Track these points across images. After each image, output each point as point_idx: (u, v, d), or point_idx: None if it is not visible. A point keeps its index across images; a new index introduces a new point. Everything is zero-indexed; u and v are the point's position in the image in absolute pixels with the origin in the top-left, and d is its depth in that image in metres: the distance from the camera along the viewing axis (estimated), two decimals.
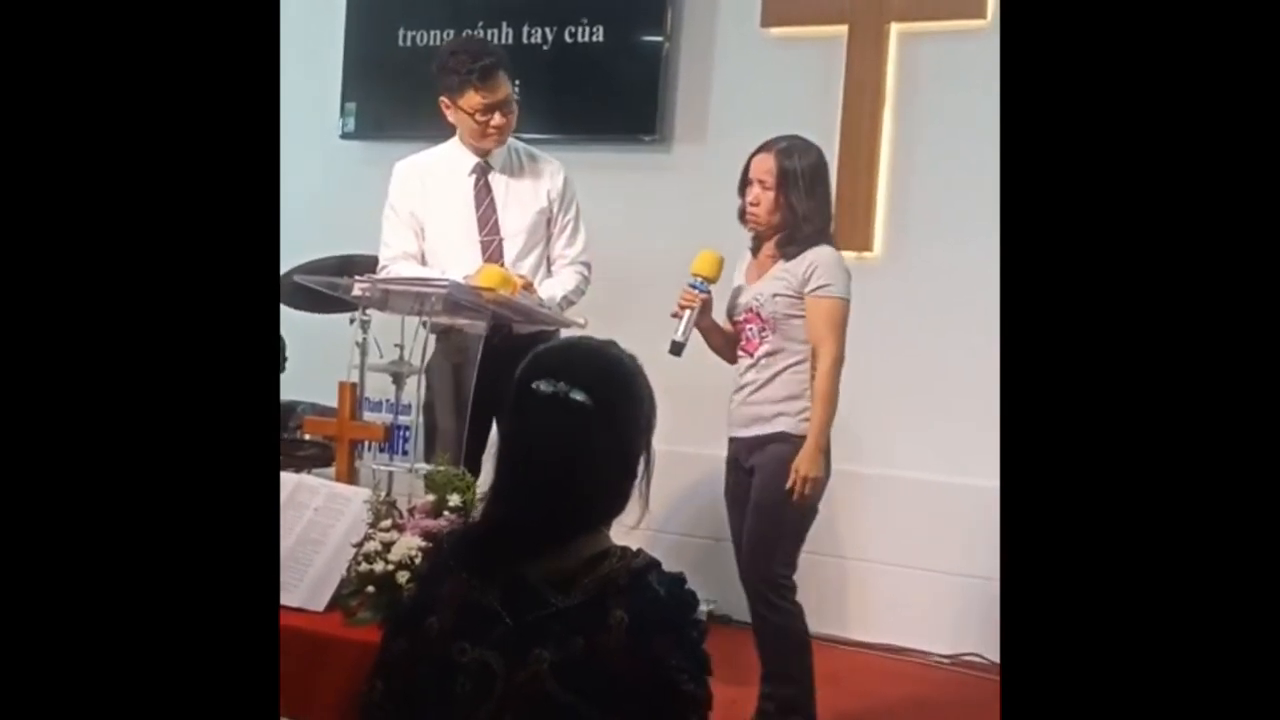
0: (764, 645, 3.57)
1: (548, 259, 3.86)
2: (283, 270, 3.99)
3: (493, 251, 3.72)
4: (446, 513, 2.59)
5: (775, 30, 4.96)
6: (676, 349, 3.43)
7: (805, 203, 3.47)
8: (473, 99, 3.66)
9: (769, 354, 3.49)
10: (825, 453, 3.44)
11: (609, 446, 1.73)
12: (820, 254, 3.45)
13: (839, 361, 3.43)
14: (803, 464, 3.39)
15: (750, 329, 3.53)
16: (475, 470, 2.95)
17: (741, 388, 3.54)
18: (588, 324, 3.58)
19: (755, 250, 3.63)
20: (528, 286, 3.57)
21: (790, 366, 3.46)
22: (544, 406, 1.71)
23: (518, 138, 3.91)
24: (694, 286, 3.51)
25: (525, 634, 1.66)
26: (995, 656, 4.18)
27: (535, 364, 1.76)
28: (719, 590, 4.74)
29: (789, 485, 3.38)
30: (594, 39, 5.19)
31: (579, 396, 1.70)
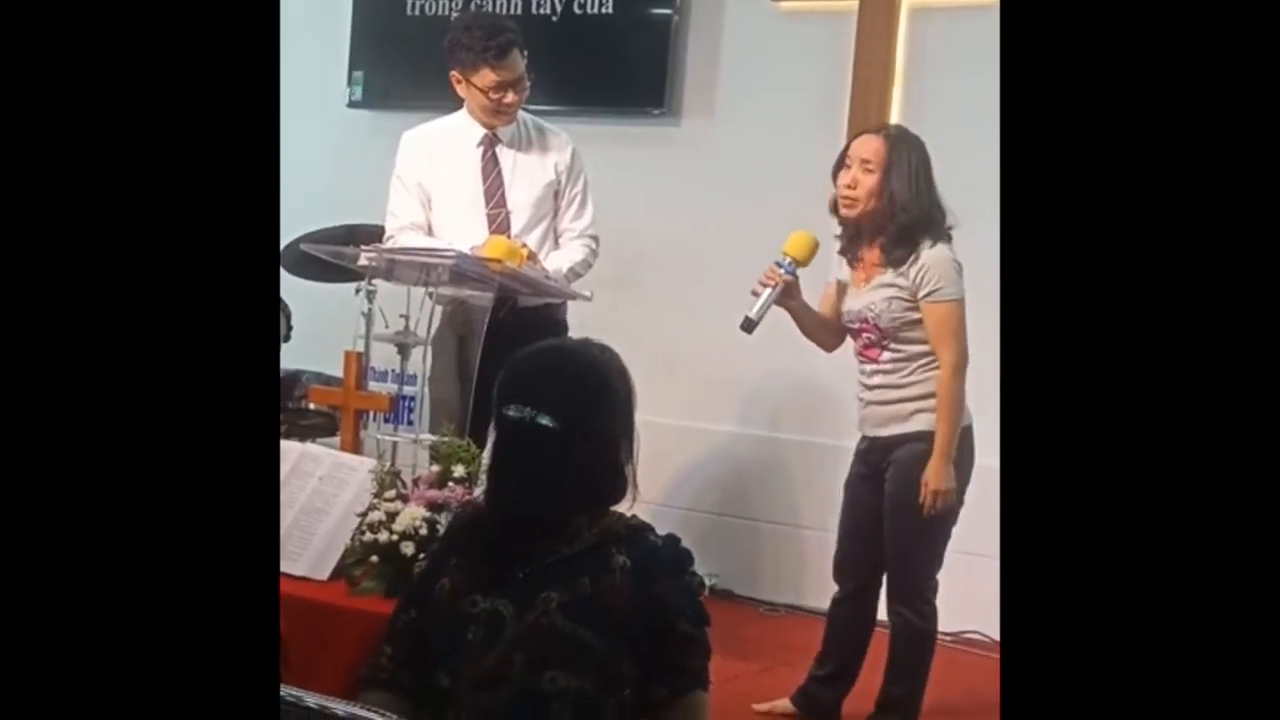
0: (896, 645, 3.47)
1: (555, 232, 3.85)
2: (289, 239, 3.99)
3: (499, 224, 3.72)
4: (451, 483, 2.59)
5: (785, 4, 4.93)
6: (748, 325, 3.31)
7: (906, 193, 3.28)
8: (487, 76, 3.64)
9: (895, 360, 3.34)
10: (956, 461, 3.32)
11: (587, 456, 1.79)
12: (929, 256, 3.28)
13: (962, 365, 3.28)
14: (932, 477, 3.26)
15: (868, 337, 3.38)
16: (480, 441, 2.96)
17: (871, 388, 3.39)
18: (594, 297, 3.58)
19: (846, 249, 3.45)
20: (531, 257, 3.56)
21: (921, 365, 3.33)
22: (514, 432, 1.79)
23: (526, 110, 3.90)
24: (780, 265, 3.33)
25: (534, 580, 1.76)
26: (998, 634, 4.19)
27: (506, 384, 1.83)
28: (721, 565, 4.76)
29: (920, 500, 3.26)
30: (603, 11, 5.16)
31: (546, 421, 1.76)
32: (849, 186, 3.31)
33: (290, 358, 4.43)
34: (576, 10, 5.20)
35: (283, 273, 3.97)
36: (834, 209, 3.41)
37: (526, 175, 3.79)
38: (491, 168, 3.78)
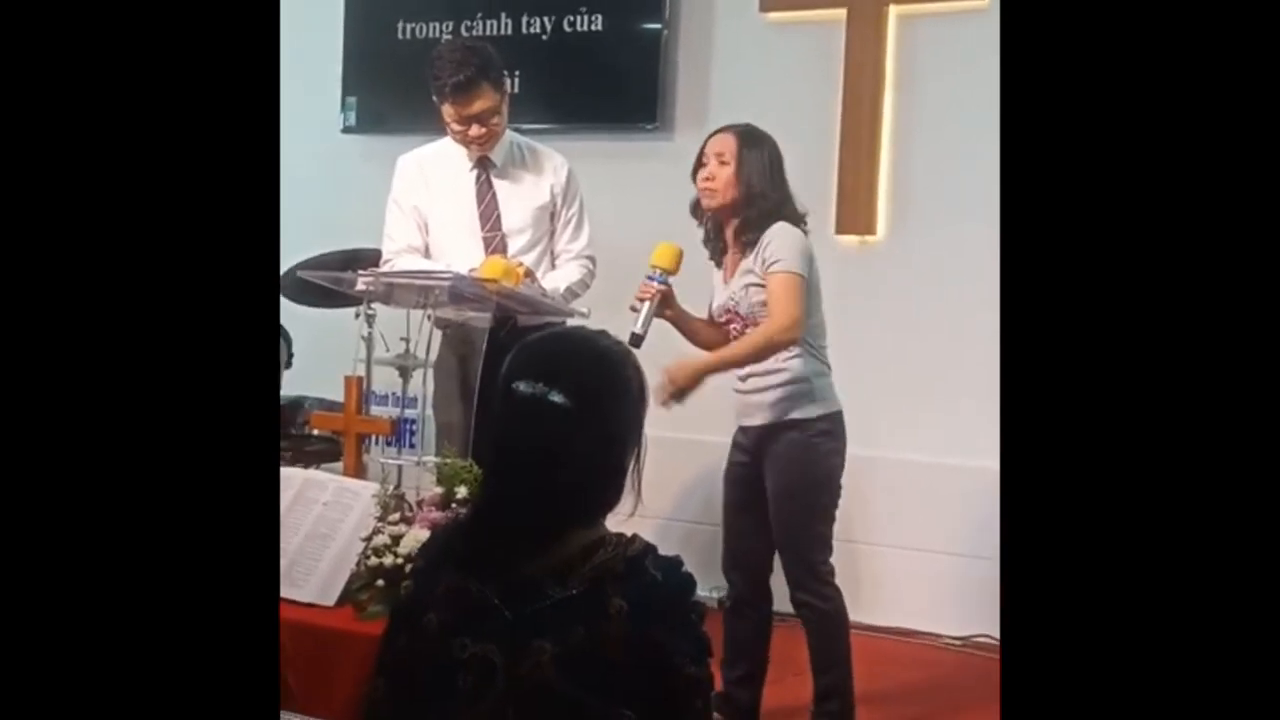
0: (809, 634, 3.54)
1: (552, 253, 3.85)
2: (285, 265, 4.00)
3: (495, 247, 3.72)
4: (454, 504, 2.59)
5: (774, 15, 4.95)
6: (635, 340, 3.34)
7: (759, 183, 3.40)
8: (448, 110, 3.65)
9: None
10: (832, 448, 3.42)
11: (593, 445, 1.71)
12: (773, 232, 3.38)
13: (783, 330, 3.35)
14: (677, 368, 3.32)
15: (734, 328, 3.49)
16: (483, 462, 2.95)
17: (743, 379, 3.50)
18: (590, 314, 3.58)
19: (712, 251, 3.58)
20: (529, 275, 3.56)
21: (785, 354, 3.42)
22: (524, 408, 1.71)
23: (517, 129, 3.90)
24: (651, 279, 3.43)
25: (525, 626, 1.66)
26: None
27: (518, 361, 1.76)
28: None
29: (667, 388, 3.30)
30: (593, 28, 5.18)
31: (557, 398, 1.68)
32: (708, 179, 3.45)
33: (292, 384, 4.43)
34: (566, 28, 5.22)
35: (282, 299, 3.98)
36: (694, 210, 3.55)
37: (521, 198, 3.79)
38: (486, 191, 3.78)
